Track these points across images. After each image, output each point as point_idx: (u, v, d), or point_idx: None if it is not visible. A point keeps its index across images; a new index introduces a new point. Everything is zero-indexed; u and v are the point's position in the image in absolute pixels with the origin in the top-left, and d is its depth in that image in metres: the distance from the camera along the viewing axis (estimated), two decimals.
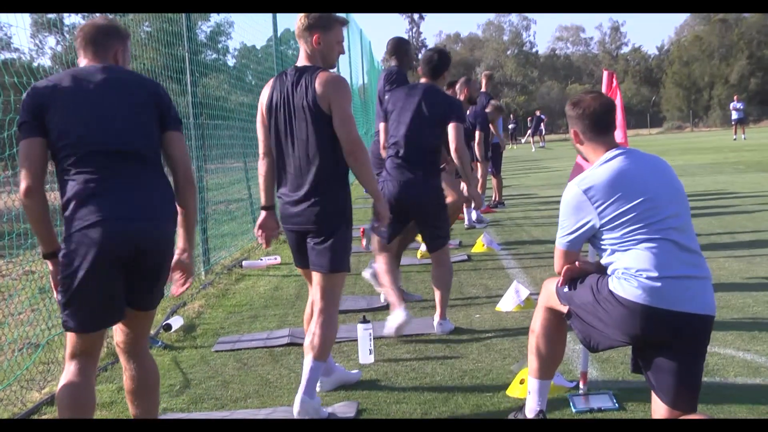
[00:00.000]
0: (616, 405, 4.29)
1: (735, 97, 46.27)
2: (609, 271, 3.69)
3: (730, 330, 5.62)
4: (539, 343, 3.99)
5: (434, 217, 6.22)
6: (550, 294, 3.95)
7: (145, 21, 11.05)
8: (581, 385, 4.52)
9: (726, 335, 5.50)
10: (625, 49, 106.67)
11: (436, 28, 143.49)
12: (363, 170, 4.56)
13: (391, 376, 5.10)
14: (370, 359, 5.38)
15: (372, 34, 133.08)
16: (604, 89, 5.35)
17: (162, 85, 3.83)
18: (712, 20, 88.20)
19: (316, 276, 4.64)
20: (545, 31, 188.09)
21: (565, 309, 3.86)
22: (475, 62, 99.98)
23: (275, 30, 15.00)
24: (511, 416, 4.13)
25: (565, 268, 3.87)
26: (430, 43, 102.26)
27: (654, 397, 3.69)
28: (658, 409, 3.68)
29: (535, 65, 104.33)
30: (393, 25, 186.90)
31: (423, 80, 6.48)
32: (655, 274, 3.54)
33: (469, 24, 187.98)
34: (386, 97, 6.88)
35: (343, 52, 4.92)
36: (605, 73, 5.30)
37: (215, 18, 23.00)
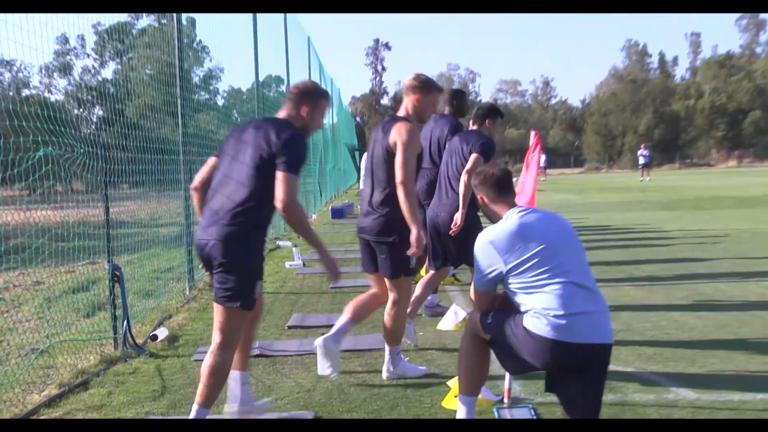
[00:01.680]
0: (535, 417, 4.29)
1: (642, 145, 47.10)
2: (523, 310, 3.72)
3: (630, 351, 5.64)
4: (467, 365, 4.00)
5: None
6: (475, 323, 3.97)
7: (147, 65, 11.00)
8: (505, 399, 4.51)
9: (627, 355, 5.51)
10: (554, 101, 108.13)
11: (396, 78, 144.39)
12: (405, 202, 4.89)
13: (345, 387, 5.03)
14: (328, 371, 5.33)
15: (341, 82, 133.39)
16: (531, 143, 5.43)
17: (289, 134, 4.10)
18: (625, 80, 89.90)
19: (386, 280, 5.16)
20: (489, 83, 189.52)
21: (488, 337, 3.88)
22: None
23: (257, 75, 15.01)
24: None
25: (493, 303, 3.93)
26: (391, 91, 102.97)
27: (563, 411, 3.73)
28: None
29: None
30: (360, 75, 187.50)
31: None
32: (561, 312, 3.59)
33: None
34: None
35: (435, 112, 5.69)
36: (532, 133, 5.35)
37: (208, 64, 23.10)
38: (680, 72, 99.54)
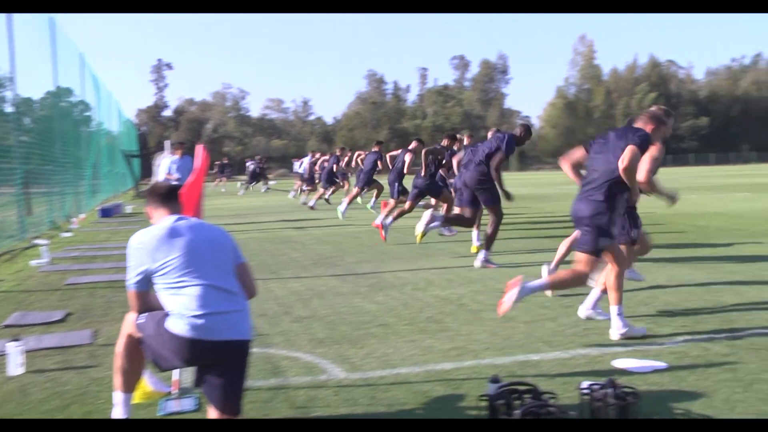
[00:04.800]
0: (197, 407, 3.91)
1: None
2: (168, 311, 3.35)
3: (306, 336, 5.40)
4: (122, 363, 3.54)
5: None
6: (130, 323, 3.53)
7: None
8: (174, 390, 4.10)
9: (302, 341, 5.25)
10: (312, 117, 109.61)
11: (178, 93, 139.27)
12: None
13: (29, 387, 4.35)
14: (20, 371, 4.64)
15: (125, 95, 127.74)
16: (199, 156, 5.02)
17: (641, 133, 5.15)
18: (367, 102, 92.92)
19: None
20: (258, 100, 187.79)
21: (140, 336, 3.46)
22: (205, 120, 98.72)
23: (15, 86, 13.51)
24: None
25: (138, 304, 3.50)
26: (172, 104, 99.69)
27: (208, 401, 3.39)
28: (212, 413, 3.36)
29: (249, 124, 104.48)
30: (142, 89, 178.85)
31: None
32: (199, 312, 3.26)
33: (201, 91, 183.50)
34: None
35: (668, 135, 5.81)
36: (198, 147, 4.96)
37: None
38: (411, 97, 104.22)
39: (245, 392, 3.45)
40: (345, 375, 4.45)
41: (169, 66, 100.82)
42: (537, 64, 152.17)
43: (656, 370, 4.38)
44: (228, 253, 3.58)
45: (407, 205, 11.87)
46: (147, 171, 24.91)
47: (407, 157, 13.68)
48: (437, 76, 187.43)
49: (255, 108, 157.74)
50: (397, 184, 14.07)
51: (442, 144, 12.13)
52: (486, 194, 9.02)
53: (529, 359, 4.66)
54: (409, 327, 5.66)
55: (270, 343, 5.22)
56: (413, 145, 13.77)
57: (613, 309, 5.16)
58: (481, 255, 8.78)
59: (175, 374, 4.09)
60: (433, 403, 3.90)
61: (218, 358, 3.32)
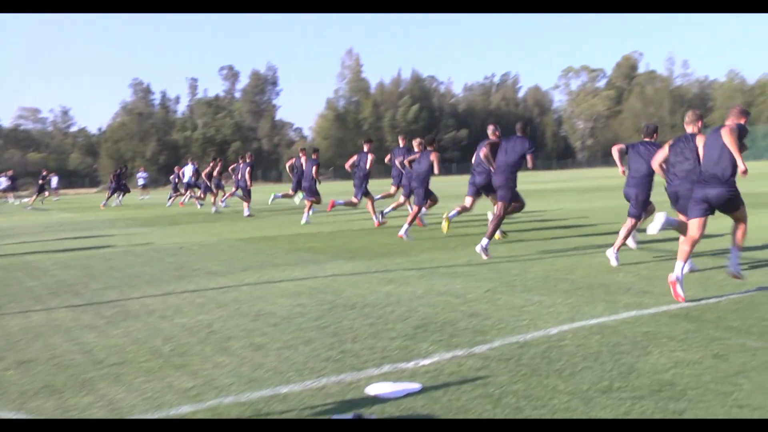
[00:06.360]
0: None
1: (141, 168, 46.39)
2: None
3: (12, 388, 4.54)
4: None
5: None
6: None
7: None
8: None
9: (7, 394, 4.40)
10: (73, 128, 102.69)
11: None
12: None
13: None
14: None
15: None
16: None
17: (738, 126, 6.68)
18: (132, 113, 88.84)
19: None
20: (8, 109, 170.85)
21: None
22: None
23: None
24: None
25: None
26: None
27: None
28: None
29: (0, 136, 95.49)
30: None
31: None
32: None
33: None
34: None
35: None
36: None
37: None
38: (181, 108, 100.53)
39: None
40: None
41: None
42: (307, 77, 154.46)
43: (410, 394, 4.15)
44: None
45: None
46: None
47: (370, 158, 15.29)
48: (207, 87, 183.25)
49: (6, 118, 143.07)
50: (364, 185, 15.28)
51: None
52: (510, 191, 10.14)
53: (277, 393, 4.22)
54: (147, 363, 4.99)
55: None
56: (367, 147, 15.52)
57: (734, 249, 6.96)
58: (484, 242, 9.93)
59: None
60: None
61: None
